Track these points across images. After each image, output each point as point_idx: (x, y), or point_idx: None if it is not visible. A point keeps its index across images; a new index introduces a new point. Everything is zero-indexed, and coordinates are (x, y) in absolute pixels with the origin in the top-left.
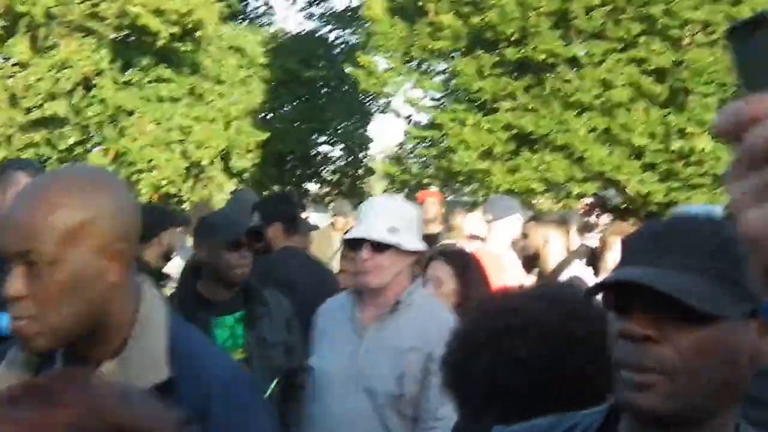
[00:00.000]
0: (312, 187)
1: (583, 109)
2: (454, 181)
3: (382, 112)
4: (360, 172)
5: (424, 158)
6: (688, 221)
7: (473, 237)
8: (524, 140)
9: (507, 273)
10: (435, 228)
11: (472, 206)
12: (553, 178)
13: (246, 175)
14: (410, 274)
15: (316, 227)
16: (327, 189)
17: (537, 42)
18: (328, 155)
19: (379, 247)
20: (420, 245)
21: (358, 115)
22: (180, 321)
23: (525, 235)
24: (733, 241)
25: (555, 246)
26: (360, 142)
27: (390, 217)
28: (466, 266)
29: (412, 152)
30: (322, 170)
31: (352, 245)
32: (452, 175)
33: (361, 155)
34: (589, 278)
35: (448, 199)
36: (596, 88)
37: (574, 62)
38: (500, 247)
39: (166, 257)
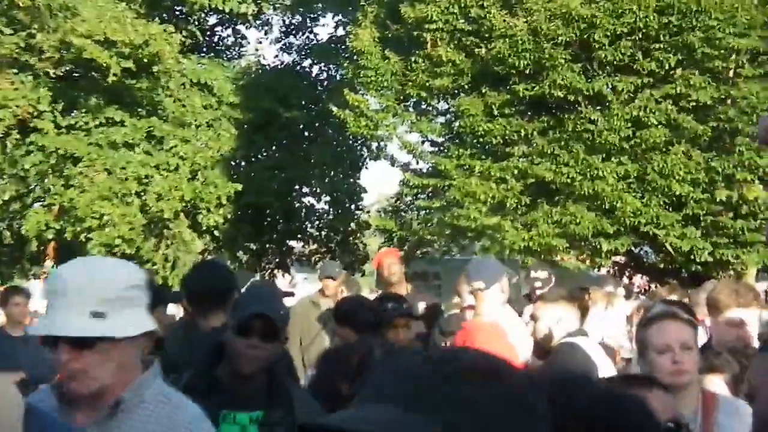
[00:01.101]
0: (296, 245)
1: (611, 152)
2: (461, 237)
3: (375, 158)
4: (351, 227)
5: (426, 211)
6: (420, 359)
7: (470, 308)
8: (542, 190)
9: (504, 339)
10: (401, 289)
11: None
12: (578, 232)
13: (217, 233)
14: (138, 360)
15: (290, 294)
16: (313, 247)
17: (554, 76)
18: (314, 208)
19: (83, 343)
20: (149, 324)
21: (347, 162)
22: None
23: (534, 318)
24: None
25: (568, 327)
26: (350, 193)
27: (92, 295)
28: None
29: (411, 204)
30: (306, 226)
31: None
32: (459, 231)
33: (351, 207)
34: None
35: (456, 257)
36: (626, 128)
37: (598, 99)
38: (492, 313)
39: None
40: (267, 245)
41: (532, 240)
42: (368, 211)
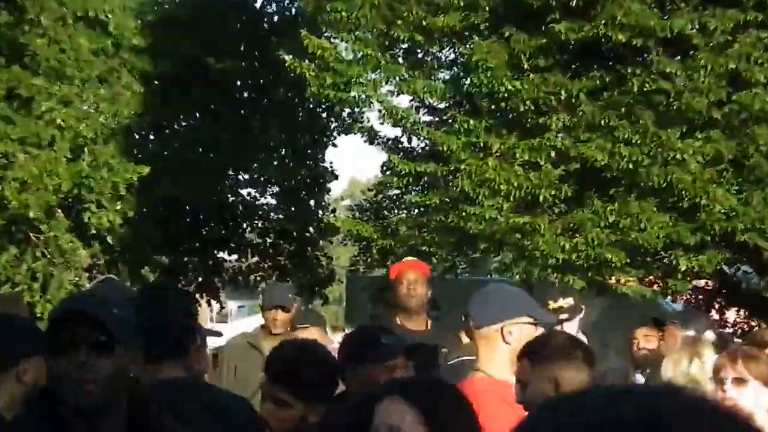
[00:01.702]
0: (228, 258)
1: (694, 125)
2: (470, 248)
3: (346, 131)
4: (311, 231)
5: (420, 209)
6: None
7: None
8: (591, 180)
9: (516, 411)
10: (417, 323)
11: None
12: (644, 241)
13: (112, 239)
14: None
15: (216, 333)
16: (254, 260)
17: (613, 11)
18: (256, 203)
19: None
20: None
21: (305, 137)
22: None
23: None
24: None
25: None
26: (310, 183)
27: None
28: (439, 408)
29: (398, 199)
30: (244, 229)
31: None
32: (468, 239)
33: (311, 203)
34: None
35: (464, 278)
36: (718, 88)
37: (678, 45)
38: (503, 371)
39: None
40: (186, 258)
41: (577, 252)
42: (334, 210)
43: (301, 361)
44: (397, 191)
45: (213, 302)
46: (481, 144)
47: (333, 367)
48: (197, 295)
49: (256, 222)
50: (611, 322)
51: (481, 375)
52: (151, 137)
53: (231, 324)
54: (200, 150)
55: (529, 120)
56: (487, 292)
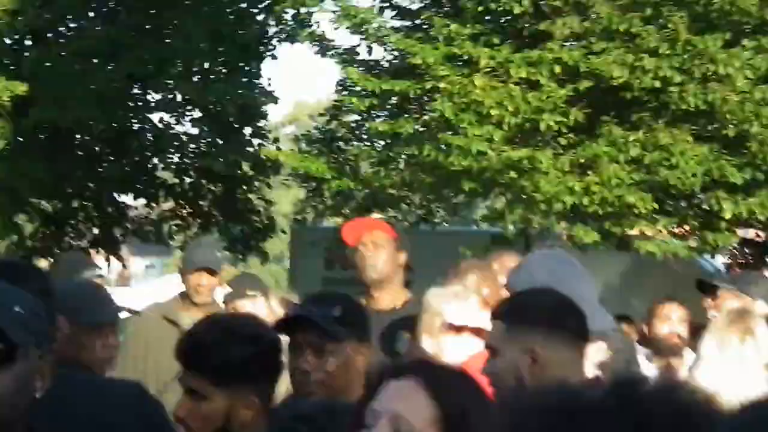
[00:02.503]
0: (132, 202)
1: (743, 30)
2: (451, 189)
3: (290, 38)
4: (243, 168)
5: (386, 141)
6: None
7: (457, 329)
8: (607, 99)
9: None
10: (392, 299)
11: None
12: (677, 181)
13: None
14: None
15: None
16: (168, 206)
17: None
18: (171, 130)
19: None
20: None
21: (234, 43)
22: None
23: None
24: None
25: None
26: (242, 104)
27: None
28: (449, 390)
29: (358, 128)
30: (155, 164)
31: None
32: (448, 179)
33: (244, 132)
34: None
35: (441, 227)
36: None
37: None
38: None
39: None
40: (76, 203)
41: (589, 195)
42: (276, 140)
43: (221, 335)
44: (356, 117)
45: (112, 260)
46: (466, 57)
47: (268, 342)
48: (91, 251)
49: (170, 156)
50: (632, 287)
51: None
52: (28, 43)
53: (136, 288)
54: (94, 60)
55: (527, 26)
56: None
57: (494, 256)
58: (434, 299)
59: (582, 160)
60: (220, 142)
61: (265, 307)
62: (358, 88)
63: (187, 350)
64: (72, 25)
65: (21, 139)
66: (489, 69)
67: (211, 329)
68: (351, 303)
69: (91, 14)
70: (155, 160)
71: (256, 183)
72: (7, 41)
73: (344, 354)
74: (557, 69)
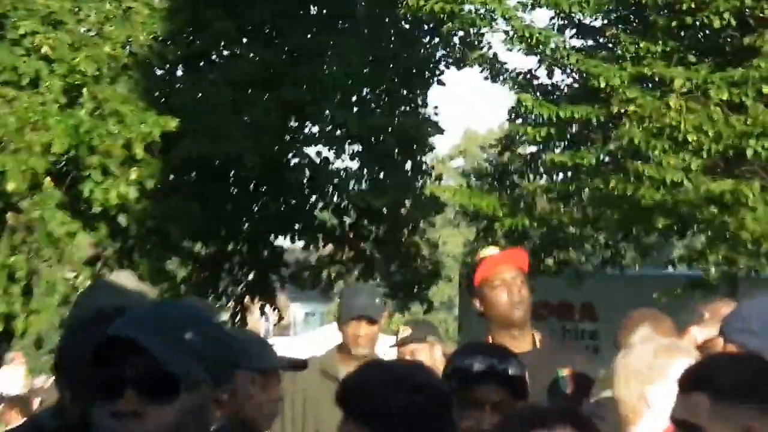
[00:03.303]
0: (289, 245)
1: None
2: (643, 227)
3: (456, 63)
4: (407, 207)
5: (565, 172)
6: None
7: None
8: None
9: None
10: (523, 341)
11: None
12: None
13: (125, 219)
14: None
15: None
16: (326, 250)
17: None
18: (332, 169)
19: None
20: None
21: (398, 70)
22: None
23: None
24: None
25: None
26: (406, 137)
27: None
28: None
29: (532, 160)
30: (314, 203)
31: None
32: (639, 214)
33: (407, 167)
34: None
35: (629, 271)
36: None
37: None
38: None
39: None
40: (230, 246)
41: None
42: (440, 176)
43: (385, 381)
44: (532, 148)
45: (269, 308)
46: (657, 77)
47: (437, 393)
48: (246, 299)
49: (329, 194)
50: None
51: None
52: (179, 73)
53: (295, 338)
54: (249, 90)
55: (729, 41)
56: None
57: (705, 303)
58: (633, 376)
59: None
60: (382, 178)
61: (441, 359)
62: (533, 115)
63: (347, 396)
64: (225, 52)
65: (171, 176)
66: (685, 90)
67: (375, 374)
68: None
69: (245, 40)
70: (313, 199)
71: (421, 223)
72: (158, 72)
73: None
74: (765, 89)
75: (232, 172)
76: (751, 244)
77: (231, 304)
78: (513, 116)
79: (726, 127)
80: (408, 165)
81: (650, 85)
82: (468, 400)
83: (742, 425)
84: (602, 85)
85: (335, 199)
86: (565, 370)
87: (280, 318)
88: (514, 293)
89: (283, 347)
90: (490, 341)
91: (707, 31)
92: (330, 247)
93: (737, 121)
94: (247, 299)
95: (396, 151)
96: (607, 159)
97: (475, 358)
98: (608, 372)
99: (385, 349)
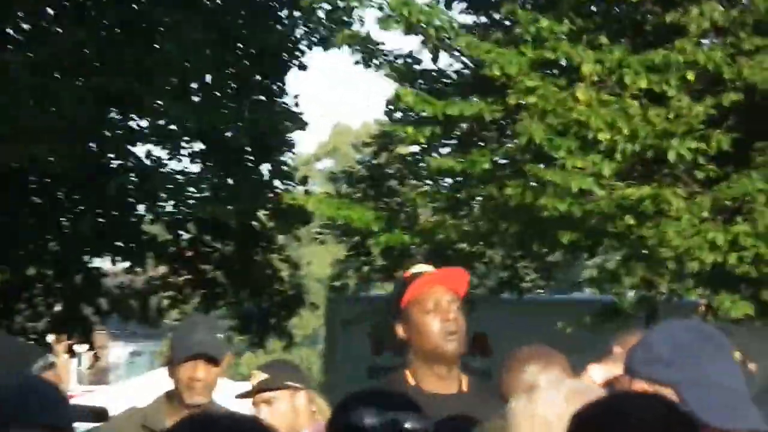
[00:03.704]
0: (113, 268)
1: None
2: (545, 243)
3: (321, 43)
4: (260, 220)
5: (454, 179)
6: None
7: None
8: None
9: None
10: (450, 381)
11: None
12: None
13: None
14: None
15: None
16: (158, 272)
17: None
18: (165, 172)
19: None
20: None
21: (248, 52)
22: None
23: None
24: None
25: None
26: (260, 135)
27: None
28: None
29: (414, 163)
30: (141, 217)
31: None
32: (540, 227)
33: (262, 171)
34: None
35: (531, 295)
36: None
37: None
38: None
39: None
40: (32, 269)
41: (737, 250)
42: (304, 180)
43: None
44: (414, 147)
45: (82, 348)
46: (563, 61)
47: None
48: (51, 337)
49: (161, 204)
50: None
51: None
52: None
53: (117, 385)
54: (57, 74)
55: (649, 17)
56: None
57: (620, 337)
58: (541, 428)
59: (728, 202)
60: (230, 183)
61: (306, 408)
62: (415, 111)
63: None
64: (26, 26)
65: None
66: (595, 78)
67: (198, 430)
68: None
69: (51, 11)
70: (141, 209)
71: (279, 239)
72: None
73: None
74: (691, 76)
75: (34, 178)
76: (673, 262)
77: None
78: (391, 111)
79: (644, 123)
80: (264, 168)
81: (554, 72)
82: None
83: None
84: (497, 73)
85: (169, 209)
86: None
87: (96, 359)
88: (449, 321)
89: (101, 397)
90: (409, 378)
91: (622, 7)
92: (162, 269)
93: (657, 116)
94: (51, 337)
95: (247, 150)
96: (502, 162)
97: (365, 411)
98: (497, 423)
99: (229, 399)
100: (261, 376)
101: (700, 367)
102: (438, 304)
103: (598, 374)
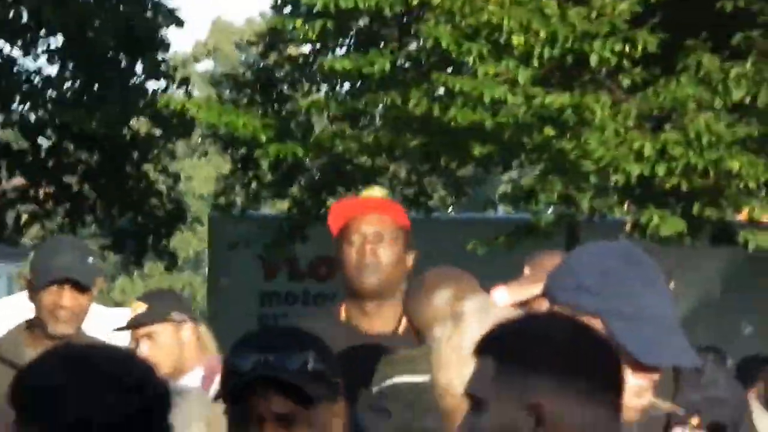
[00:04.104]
0: None
1: None
2: (454, 157)
3: None
4: (132, 128)
5: (353, 82)
6: None
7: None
8: (695, 17)
9: None
10: (388, 318)
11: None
12: None
13: None
14: None
15: None
16: (15, 184)
17: None
18: (20, 72)
19: None
20: None
21: None
22: None
23: None
24: None
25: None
26: (131, 31)
27: None
28: None
29: (306, 64)
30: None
31: None
32: (450, 140)
33: (135, 72)
34: None
35: (438, 214)
36: None
37: None
38: None
39: None
40: None
41: (666, 160)
42: (184, 83)
43: (83, 377)
44: (306, 47)
45: None
46: None
47: (156, 396)
48: None
49: (15, 106)
50: (736, 299)
51: None
52: None
53: None
54: None
55: None
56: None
57: (531, 257)
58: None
59: (656, 109)
60: (96, 86)
61: (193, 343)
62: (304, 6)
63: (26, 395)
64: None
65: None
66: None
67: (67, 364)
68: (322, 346)
69: None
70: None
71: (155, 150)
72: None
73: (320, 423)
74: None
75: None
76: (596, 176)
77: None
78: (278, 4)
79: (563, 25)
80: (138, 68)
81: None
82: (245, 415)
83: (528, 401)
84: None
85: (24, 112)
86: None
87: None
88: (366, 253)
89: None
90: (342, 313)
91: None
92: (20, 180)
93: (577, 15)
94: None
95: (115, 49)
96: (405, 65)
97: (246, 352)
98: (401, 355)
99: (102, 328)
100: (141, 308)
101: (629, 297)
102: (361, 235)
103: (503, 297)
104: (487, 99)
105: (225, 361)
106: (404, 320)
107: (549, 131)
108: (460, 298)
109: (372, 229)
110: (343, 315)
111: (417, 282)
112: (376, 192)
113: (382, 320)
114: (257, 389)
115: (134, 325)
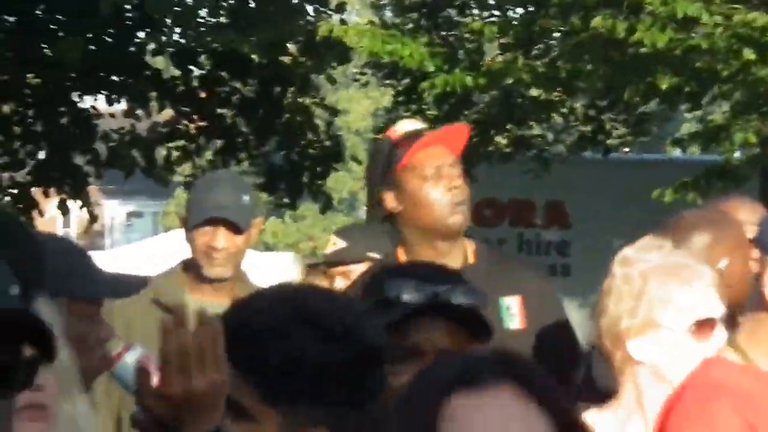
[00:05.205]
0: (108, 108)
1: None
2: (637, 94)
3: None
4: (292, 55)
5: (526, 10)
6: None
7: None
8: None
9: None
10: (457, 254)
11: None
12: None
13: None
14: None
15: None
16: (165, 117)
17: None
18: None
19: None
20: None
21: None
22: None
23: None
24: None
25: None
26: None
27: None
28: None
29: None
30: (143, 46)
31: None
32: (631, 72)
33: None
34: None
35: (631, 157)
36: None
37: None
38: None
39: None
40: (5, 103)
41: None
42: (342, 5)
43: (289, 325)
44: None
45: (72, 204)
46: None
47: (368, 345)
48: (33, 190)
49: (165, 31)
50: None
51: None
52: None
53: (113, 251)
54: None
55: None
56: None
57: (724, 201)
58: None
59: None
60: (251, 6)
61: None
62: None
63: (233, 341)
64: None
65: None
66: None
67: (274, 312)
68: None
69: None
70: (139, 38)
71: (313, 79)
72: None
73: None
74: None
75: None
76: None
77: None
78: None
79: None
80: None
81: None
82: (402, 348)
83: None
84: None
85: (175, 38)
86: (512, 298)
87: (93, 219)
88: (454, 190)
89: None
90: (401, 257)
91: None
92: (169, 112)
93: None
94: (34, 190)
95: None
96: None
97: (404, 284)
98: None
99: (264, 273)
100: (339, 244)
101: None
102: (439, 170)
103: None
104: (679, 15)
105: (379, 287)
106: (470, 251)
107: (749, 54)
108: (718, 244)
109: (450, 162)
110: (403, 258)
111: (672, 225)
112: (415, 124)
113: (453, 257)
114: (421, 321)
115: (332, 262)
